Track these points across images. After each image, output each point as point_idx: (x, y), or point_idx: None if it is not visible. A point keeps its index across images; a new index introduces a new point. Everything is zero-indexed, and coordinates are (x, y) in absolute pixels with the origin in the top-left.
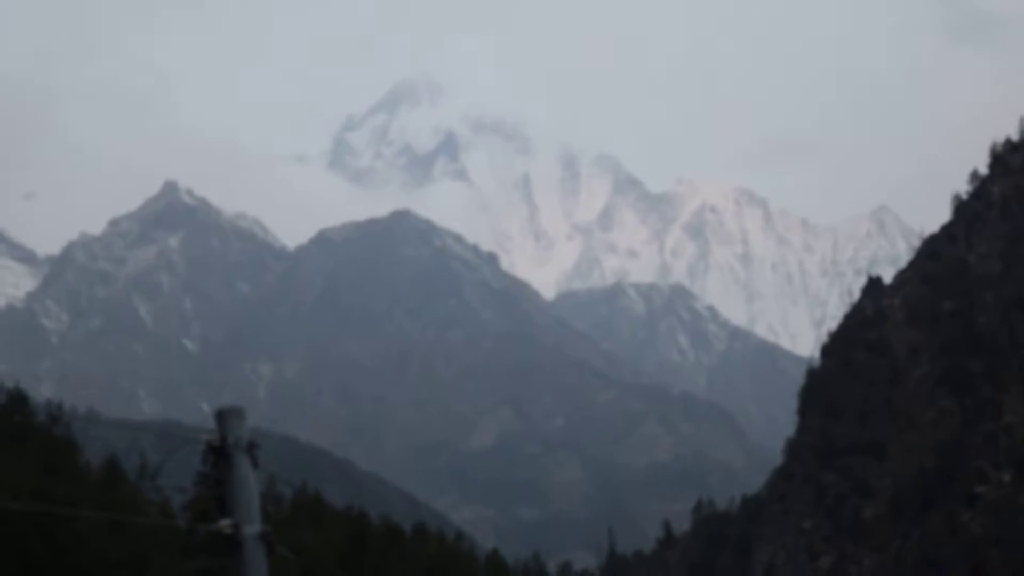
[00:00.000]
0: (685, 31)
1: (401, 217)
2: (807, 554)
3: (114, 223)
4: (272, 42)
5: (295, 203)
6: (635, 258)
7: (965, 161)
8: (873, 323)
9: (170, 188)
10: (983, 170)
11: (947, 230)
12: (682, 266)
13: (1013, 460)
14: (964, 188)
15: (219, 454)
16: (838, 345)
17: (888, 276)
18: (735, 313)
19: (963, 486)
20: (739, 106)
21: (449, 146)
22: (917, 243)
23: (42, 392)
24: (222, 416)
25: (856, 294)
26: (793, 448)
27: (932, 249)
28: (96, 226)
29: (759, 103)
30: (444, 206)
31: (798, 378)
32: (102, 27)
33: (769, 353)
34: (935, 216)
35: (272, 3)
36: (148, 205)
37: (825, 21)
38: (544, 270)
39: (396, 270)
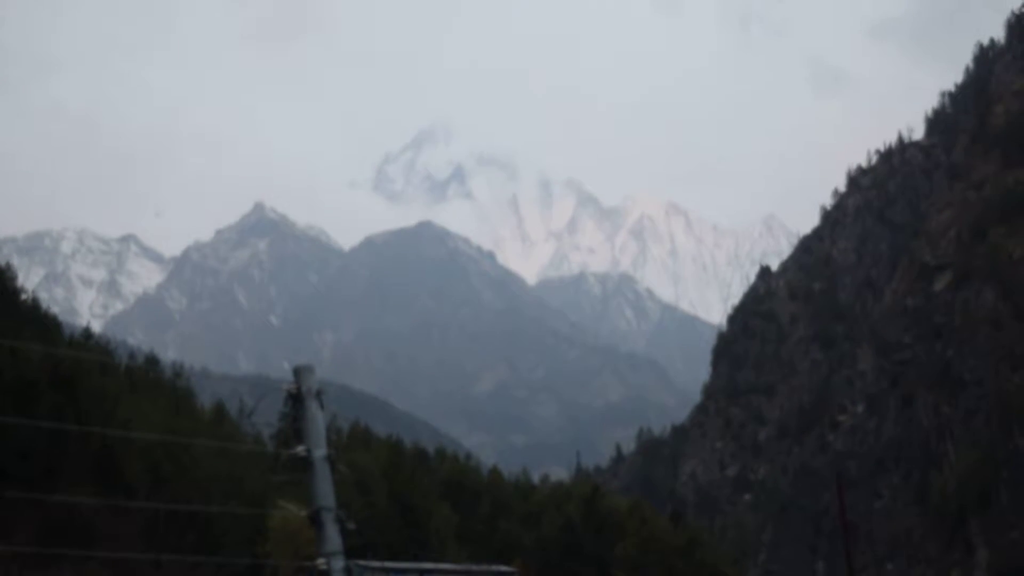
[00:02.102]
0: (628, 83)
1: (425, 226)
2: (719, 466)
3: (219, 232)
4: (332, 97)
5: (348, 216)
6: (593, 254)
7: (829, 182)
8: (764, 299)
9: (259, 207)
10: (842, 188)
11: (817, 232)
12: (628, 260)
13: (864, 396)
14: (828, 201)
15: (296, 399)
16: (739, 315)
17: (775, 265)
18: (666, 293)
19: (829, 415)
20: (665, 140)
21: (459, 175)
22: (795, 241)
23: (168, 355)
24: (298, 372)
25: (752, 279)
26: (708, 390)
27: (806, 245)
28: (206, 234)
29: (679, 137)
30: (456, 218)
31: (711, 340)
32: (205, 82)
33: (690, 322)
34: (808, 222)
35: (329, 68)
36: (243, 219)
37: (732, 78)
38: (528, 264)
39: (421, 265)
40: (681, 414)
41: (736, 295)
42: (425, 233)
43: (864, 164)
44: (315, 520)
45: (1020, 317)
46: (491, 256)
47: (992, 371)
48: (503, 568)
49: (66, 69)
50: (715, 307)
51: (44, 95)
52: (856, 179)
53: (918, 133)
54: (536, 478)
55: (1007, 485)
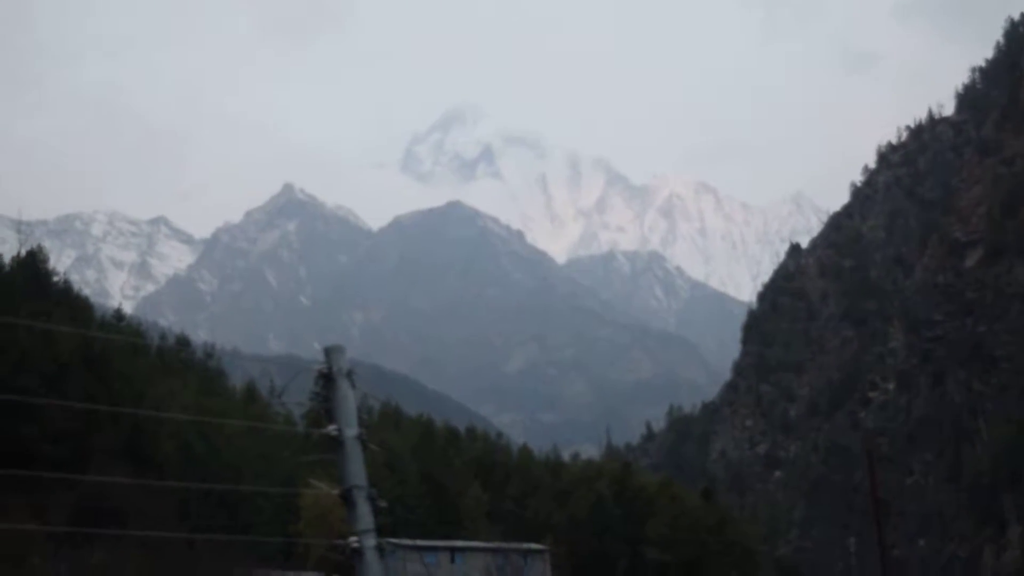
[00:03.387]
0: (657, 64)
1: (454, 206)
2: (748, 443)
3: (249, 214)
4: (359, 80)
5: (377, 197)
6: (623, 232)
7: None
8: (794, 277)
9: (288, 188)
10: (872, 165)
11: (847, 209)
12: (656, 238)
13: (895, 373)
14: (858, 178)
15: (327, 379)
16: (769, 293)
17: (805, 243)
18: (695, 271)
19: (860, 393)
20: (694, 117)
21: (487, 154)
22: (825, 219)
23: (200, 336)
24: (328, 351)
25: (782, 256)
26: (738, 368)
27: (836, 223)
28: (236, 216)
29: (709, 115)
30: (485, 198)
31: (741, 317)
32: (238, 74)
33: (720, 300)
34: (838, 199)
35: (356, 54)
36: (272, 200)
37: (759, 58)
38: (557, 243)
39: (450, 245)
40: (711, 391)
41: (766, 273)
42: (454, 213)
43: (894, 141)
44: (346, 499)
45: None
46: (520, 235)
47: (1021, 349)
48: (534, 546)
49: (97, 57)
50: (745, 285)
51: (75, 82)
52: (886, 156)
53: (948, 109)
54: (566, 456)
55: None
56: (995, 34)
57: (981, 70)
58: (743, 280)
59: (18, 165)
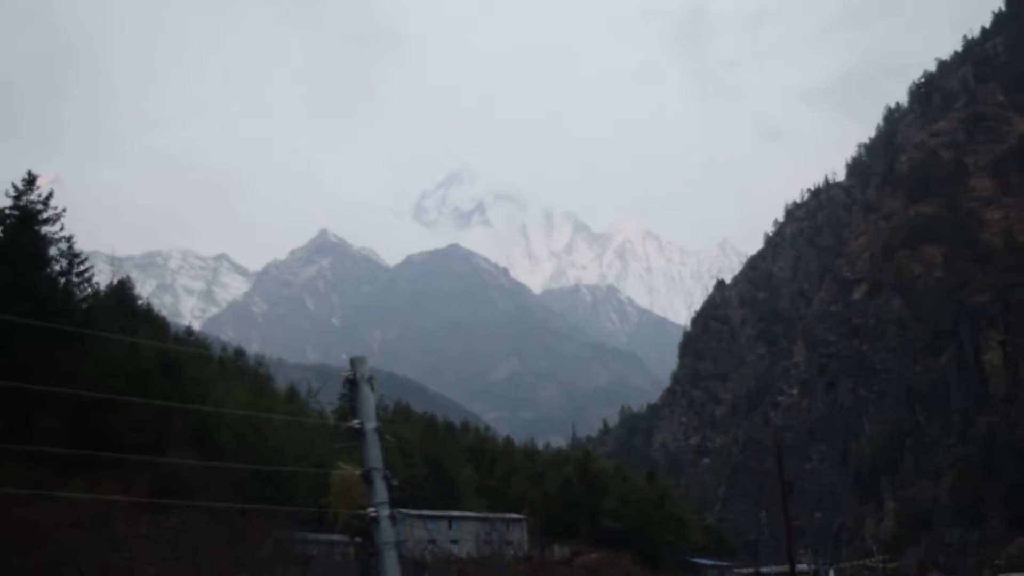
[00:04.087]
0: (614, 135)
1: (453, 248)
2: (683, 436)
3: (292, 252)
4: (382, 144)
5: (393, 240)
6: (585, 270)
7: (771, 213)
8: (719, 306)
9: (323, 232)
10: (781, 219)
11: (761, 253)
12: (612, 275)
13: (798, 382)
14: (771, 229)
15: (352, 383)
16: (700, 319)
17: (728, 279)
18: (642, 301)
19: (771, 397)
20: (644, 178)
21: (480, 207)
22: (744, 261)
23: (252, 348)
24: (353, 362)
25: (710, 290)
26: (675, 377)
27: (753, 264)
28: (282, 254)
29: (656, 176)
30: (477, 242)
31: (678, 337)
32: (288, 136)
33: (662, 324)
34: (754, 245)
35: (381, 123)
36: (311, 242)
37: (696, 132)
38: (534, 278)
39: (450, 279)
40: (654, 395)
41: (697, 303)
42: (453, 254)
43: (798, 200)
44: (367, 478)
45: (920, 320)
46: (505, 271)
47: (898, 362)
48: (514, 516)
49: (175, 123)
50: (681, 312)
51: (158, 142)
52: (792, 212)
53: (840, 176)
54: (540, 446)
55: (910, 452)
56: (876, 118)
57: (865, 146)
58: (680, 308)
59: (113, 211)
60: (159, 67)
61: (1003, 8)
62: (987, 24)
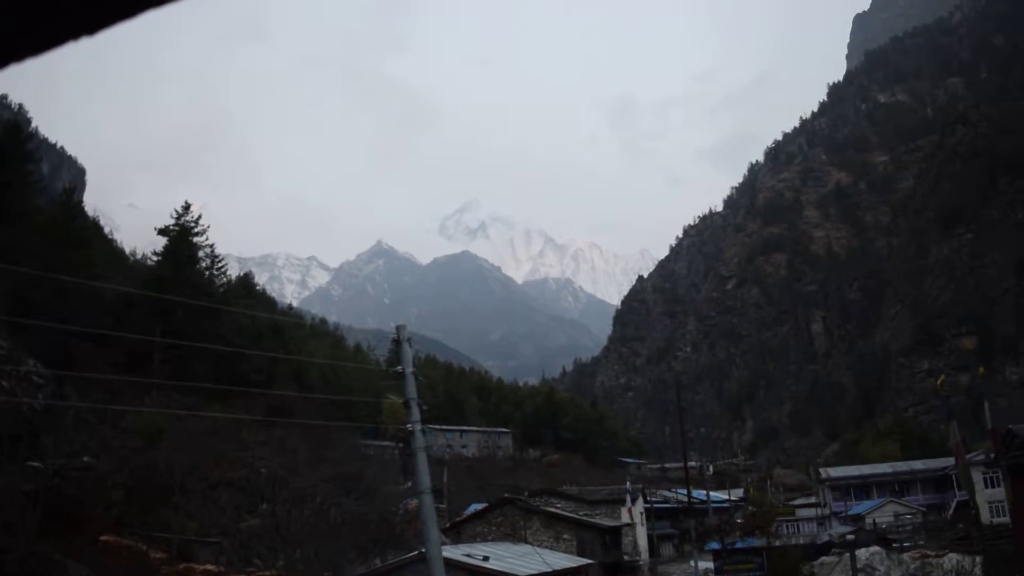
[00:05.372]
0: (575, 178)
1: (465, 254)
2: (616, 378)
3: (358, 255)
4: (419, 182)
5: (425, 248)
6: (551, 268)
7: (674, 232)
8: (640, 293)
9: (379, 242)
10: (680, 235)
11: (667, 258)
12: (570, 271)
13: (691, 343)
14: (674, 242)
15: (397, 343)
16: (627, 301)
17: (646, 275)
18: (590, 289)
19: (672, 353)
20: (592, 207)
21: (483, 227)
22: (657, 263)
23: (332, 319)
24: (398, 328)
25: (634, 282)
26: (610, 340)
27: (663, 265)
28: (351, 256)
29: (598, 205)
30: (481, 250)
31: (612, 313)
32: (358, 179)
33: (602, 304)
34: (663, 252)
35: (419, 165)
36: (371, 248)
37: (626, 174)
38: (518, 273)
39: (463, 274)
40: (597, 351)
41: (625, 290)
42: (465, 257)
43: (692, 223)
44: (406, 404)
45: (770, 302)
46: (499, 269)
47: (755, 330)
48: (503, 430)
49: (283, 170)
50: (614, 297)
51: (268, 184)
52: (688, 231)
53: (719, 208)
54: (521, 384)
55: (763, 388)
56: (743, 169)
57: (736, 188)
58: (614, 294)
59: (242, 226)
60: (277, 132)
61: (825, 99)
62: (815, 109)
